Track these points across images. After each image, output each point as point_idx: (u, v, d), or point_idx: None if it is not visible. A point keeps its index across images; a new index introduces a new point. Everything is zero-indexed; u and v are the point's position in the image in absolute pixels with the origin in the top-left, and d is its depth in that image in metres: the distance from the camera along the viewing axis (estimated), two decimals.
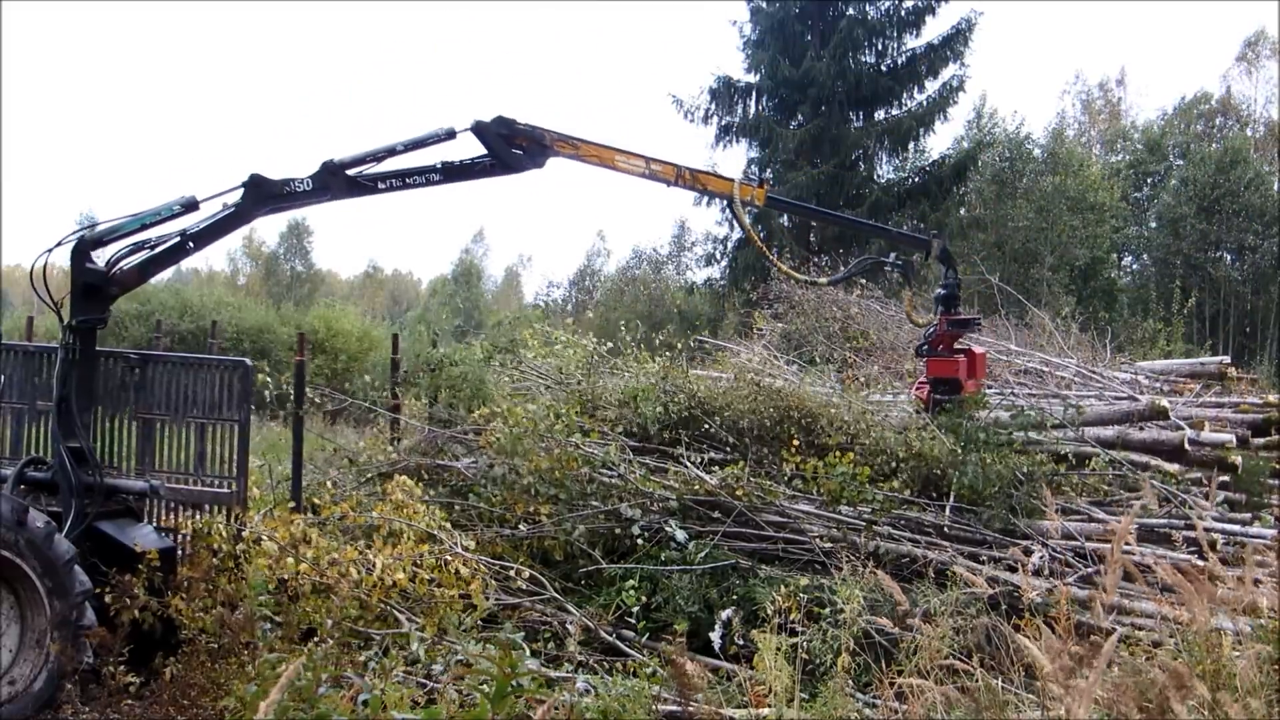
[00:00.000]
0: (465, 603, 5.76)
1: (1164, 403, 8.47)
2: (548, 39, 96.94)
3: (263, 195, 5.86)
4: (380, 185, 6.02)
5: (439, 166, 6.11)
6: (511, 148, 6.17)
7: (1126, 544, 6.32)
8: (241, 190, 5.87)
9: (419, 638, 5.27)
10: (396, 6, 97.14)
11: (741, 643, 5.60)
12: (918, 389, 8.37)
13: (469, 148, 6.19)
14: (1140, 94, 69.41)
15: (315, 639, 4.97)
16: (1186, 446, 8.16)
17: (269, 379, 8.34)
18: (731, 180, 6.69)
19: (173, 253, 5.87)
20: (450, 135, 6.09)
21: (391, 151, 6.02)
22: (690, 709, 4.09)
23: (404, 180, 6.08)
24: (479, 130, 6.11)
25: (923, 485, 7.44)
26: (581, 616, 5.94)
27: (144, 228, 5.79)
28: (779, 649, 4.39)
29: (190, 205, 5.83)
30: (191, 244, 5.83)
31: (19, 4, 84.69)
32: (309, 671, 3.26)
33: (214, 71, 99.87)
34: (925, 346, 8.27)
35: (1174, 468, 7.93)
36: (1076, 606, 5.89)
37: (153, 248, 5.82)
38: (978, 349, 8.62)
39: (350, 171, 5.96)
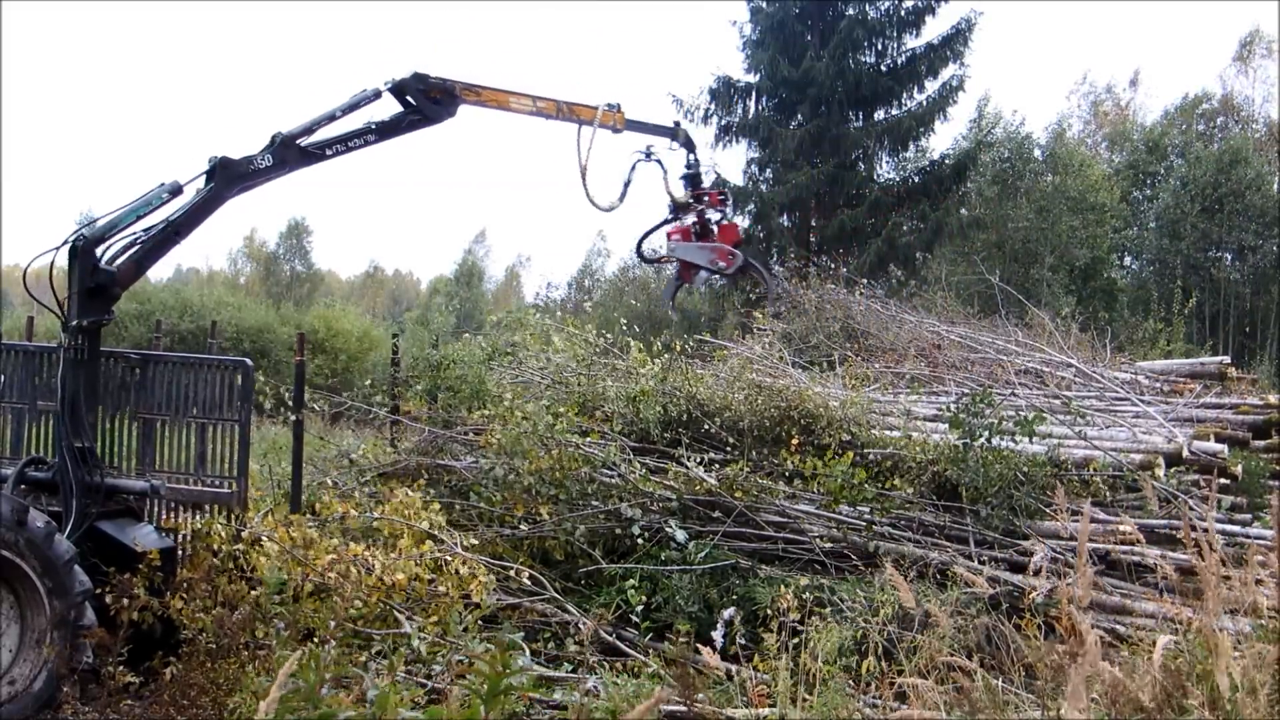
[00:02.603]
0: (466, 602, 5.76)
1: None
2: (548, 39, 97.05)
3: (231, 176, 6.04)
4: (328, 152, 6.32)
5: (373, 126, 6.44)
6: (431, 101, 6.51)
7: (1129, 545, 6.38)
8: (212, 174, 6.02)
9: (420, 637, 5.26)
10: (396, 6, 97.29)
11: (743, 642, 5.59)
12: (722, 255, 7.69)
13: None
14: (1149, 95, 69.19)
15: (316, 639, 4.97)
16: (1186, 454, 8.16)
17: (266, 388, 8.29)
18: (595, 108, 7.10)
19: (163, 243, 5.94)
20: (377, 95, 6.47)
21: (331, 117, 6.30)
22: (696, 708, 4.09)
23: (346, 144, 6.38)
24: (397, 89, 6.48)
25: (935, 487, 7.41)
26: (583, 617, 5.94)
27: (139, 219, 5.84)
28: (788, 648, 4.40)
29: (175, 190, 5.95)
30: (177, 232, 5.93)
31: (19, 4, 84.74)
32: (312, 671, 3.24)
33: (214, 71, 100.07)
34: (697, 225, 7.79)
35: (1171, 471, 7.92)
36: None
37: (142, 241, 5.86)
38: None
39: (301, 142, 6.22)
